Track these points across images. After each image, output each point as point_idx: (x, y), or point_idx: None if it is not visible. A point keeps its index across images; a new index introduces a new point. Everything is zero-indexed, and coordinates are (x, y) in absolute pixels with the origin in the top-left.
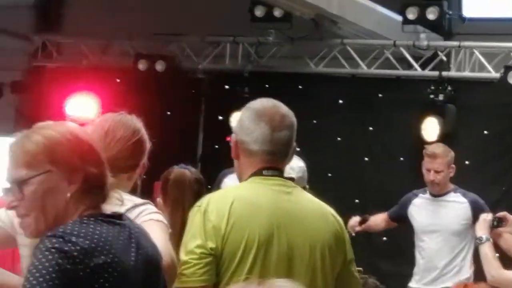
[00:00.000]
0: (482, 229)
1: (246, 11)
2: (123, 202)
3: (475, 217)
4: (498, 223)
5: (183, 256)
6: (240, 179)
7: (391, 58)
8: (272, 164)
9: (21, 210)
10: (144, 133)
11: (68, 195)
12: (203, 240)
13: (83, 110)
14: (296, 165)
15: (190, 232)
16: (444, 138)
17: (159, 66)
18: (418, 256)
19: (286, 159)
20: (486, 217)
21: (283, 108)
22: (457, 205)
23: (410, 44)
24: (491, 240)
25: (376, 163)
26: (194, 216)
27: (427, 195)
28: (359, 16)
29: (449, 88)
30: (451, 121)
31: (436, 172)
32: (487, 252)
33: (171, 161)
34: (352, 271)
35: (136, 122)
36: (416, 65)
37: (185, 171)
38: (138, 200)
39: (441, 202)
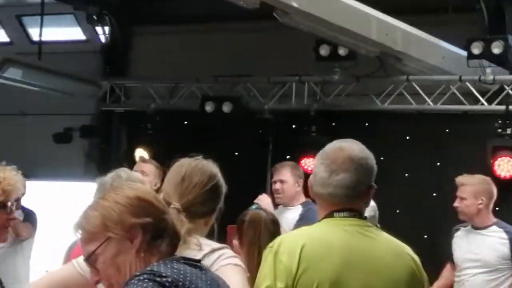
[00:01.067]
0: None
1: (311, 50)
2: (201, 247)
3: None
4: None
5: None
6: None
7: (457, 93)
8: (342, 206)
9: (104, 282)
10: (220, 178)
11: (134, 250)
12: (272, 281)
13: (152, 154)
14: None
15: (261, 273)
16: None
17: (226, 108)
18: None
19: (357, 200)
20: None
21: (352, 150)
22: (497, 240)
23: (476, 79)
24: None
25: (445, 198)
26: (266, 257)
27: (468, 227)
28: (424, 52)
29: None
30: None
31: (461, 199)
32: None
33: (240, 202)
34: None
35: (212, 167)
36: (482, 100)
37: (260, 212)
38: (216, 245)
39: (480, 235)
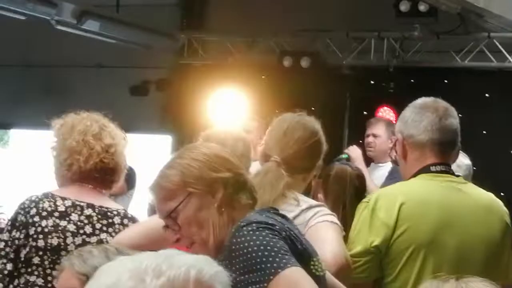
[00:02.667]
0: None
1: (391, 6)
2: (298, 202)
3: None
4: None
5: (347, 252)
6: (406, 178)
7: None
8: (439, 159)
9: (185, 240)
10: (321, 135)
11: (216, 205)
12: (367, 237)
13: (230, 108)
14: (462, 163)
15: (356, 227)
16: None
17: (304, 63)
18: None
19: (453, 151)
20: None
21: (444, 102)
22: None
23: None
24: None
25: None
26: (362, 212)
27: None
28: (506, 8)
29: None
30: None
31: None
32: None
33: None
34: None
35: (314, 124)
36: None
37: (346, 167)
38: (313, 202)
39: None
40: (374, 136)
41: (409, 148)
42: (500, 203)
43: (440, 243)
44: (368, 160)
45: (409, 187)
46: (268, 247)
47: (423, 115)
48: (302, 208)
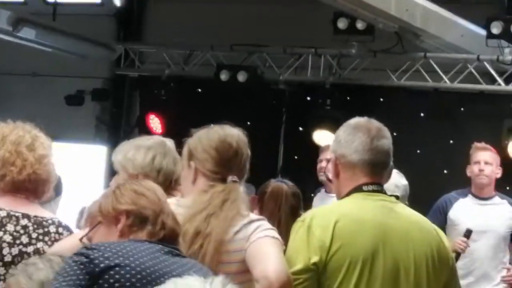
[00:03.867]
0: None
1: (329, 22)
2: (244, 217)
3: None
4: None
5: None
6: (339, 197)
7: (474, 72)
8: (371, 179)
9: None
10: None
11: (117, 234)
12: (305, 255)
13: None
14: (400, 183)
15: (293, 246)
16: None
17: (241, 77)
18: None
19: (385, 171)
20: None
21: (378, 122)
22: (505, 210)
23: (494, 59)
24: None
25: (457, 175)
26: (298, 230)
27: (470, 198)
28: (443, 29)
29: None
30: None
31: (486, 163)
32: None
33: (253, 172)
34: (456, 282)
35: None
36: (499, 80)
37: (282, 184)
38: (253, 216)
39: (487, 205)
40: (328, 161)
41: (341, 167)
42: (433, 225)
43: (375, 260)
44: (317, 186)
45: (343, 206)
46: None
47: (355, 135)
48: (243, 223)
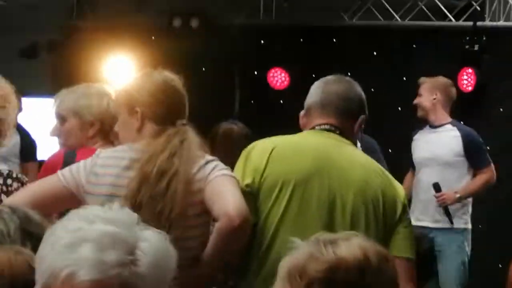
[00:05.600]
0: None
1: None
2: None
3: (466, 151)
4: None
5: None
6: None
7: (425, 9)
8: (324, 120)
9: None
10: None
11: None
12: (240, 178)
13: (120, 70)
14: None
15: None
16: (480, 88)
17: (194, 23)
18: (413, 192)
19: (343, 118)
20: None
21: (345, 78)
22: (452, 137)
23: None
24: None
25: (410, 112)
26: (239, 160)
27: (426, 128)
28: None
29: (484, 38)
30: (486, 71)
31: (419, 95)
32: None
33: (209, 118)
34: (406, 228)
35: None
36: (450, 16)
37: (233, 126)
38: (208, 156)
39: (434, 133)
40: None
41: (305, 117)
42: (382, 169)
43: (308, 186)
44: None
45: (288, 137)
46: None
47: (318, 86)
48: (201, 164)
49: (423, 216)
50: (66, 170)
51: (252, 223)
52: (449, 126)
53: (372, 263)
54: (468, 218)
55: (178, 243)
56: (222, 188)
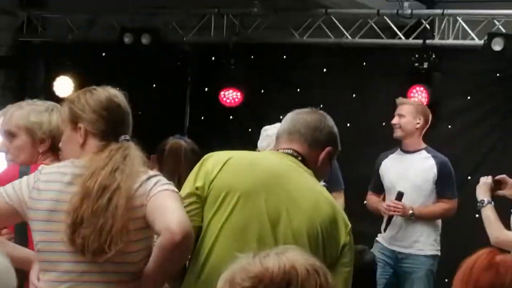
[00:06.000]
0: (483, 192)
1: None
2: (147, 172)
3: (438, 179)
4: (497, 185)
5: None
6: None
7: (375, 27)
8: (290, 146)
9: None
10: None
11: None
12: (192, 182)
13: (70, 86)
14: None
15: (186, 181)
16: (430, 105)
17: (145, 40)
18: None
19: (308, 143)
20: (486, 180)
21: (320, 111)
22: (426, 164)
23: (393, 13)
24: (492, 203)
25: (359, 129)
26: (196, 165)
27: (397, 152)
28: None
29: (433, 56)
30: (436, 88)
31: (400, 115)
32: (489, 214)
33: (160, 133)
34: (343, 275)
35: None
36: (400, 34)
37: (180, 141)
38: (151, 172)
39: (409, 158)
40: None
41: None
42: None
43: (255, 198)
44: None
45: (247, 152)
46: None
47: (289, 115)
48: (143, 179)
49: (395, 240)
50: (8, 186)
51: (197, 224)
52: (424, 153)
53: (300, 274)
54: (438, 245)
55: (119, 257)
56: (164, 203)
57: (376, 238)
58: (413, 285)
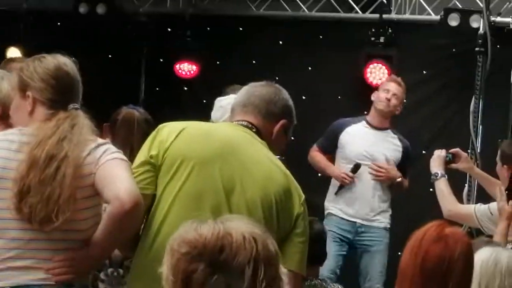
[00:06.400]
0: (436, 165)
1: None
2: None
3: (401, 162)
4: (451, 159)
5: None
6: None
7: (332, 1)
8: (244, 118)
9: None
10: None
11: None
12: (146, 151)
13: (24, 55)
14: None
15: (140, 150)
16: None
17: (100, 9)
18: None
19: (262, 115)
20: (440, 153)
21: (275, 85)
22: (393, 145)
23: None
24: (445, 176)
25: (315, 102)
26: (151, 135)
27: (363, 124)
28: None
29: (390, 30)
30: (393, 63)
31: (394, 95)
32: (443, 188)
33: (114, 104)
34: (298, 244)
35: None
36: (357, 8)
37: (133, 111)
38: (100, 140)
39: (379, 134)
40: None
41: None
42: (285, 171)
43: (209, 167)
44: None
45: (201, 122)
46: None
47: (244, 88)
48: (91, 147)
49: (355, 211)
50: None
51: (151, 193)
52: (390, 133)
53: (235, 241)
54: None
55: (67, 225)
56: (113, 172)
57: (330, 211)
58: (373, 259)
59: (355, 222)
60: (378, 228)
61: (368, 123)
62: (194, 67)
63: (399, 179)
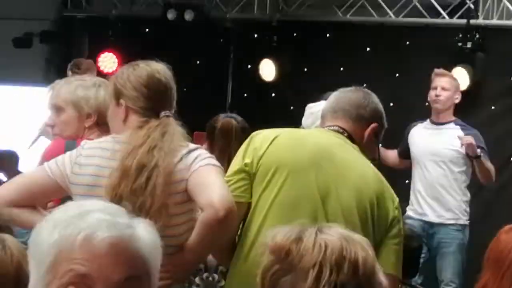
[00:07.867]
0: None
1: None
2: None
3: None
4: None
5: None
6: None
7: (419, 6)
8: (335, 123)
9: None
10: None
11: None
12: (240, 159)
13: (111, 61)
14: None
15: (234, 158)
16: (473, 85)
17: (188, 16)
18: (418, 186)
19: (352, 119)
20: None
21: (364, 89)
22: (452, 134)
23: None
24: None
25: (401, 108)
26: (244, 143)
27: (427, 123)
28: None
29: (477, 36)
30: (479, 69)
31: (443, 89)
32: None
33: (202, 110)
34: (394, 247)
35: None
36: (444, 13)
37: (231, 120)
38: (192, 145)
39: (438, 130)
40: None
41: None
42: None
43: (304, 174)
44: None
45: (293, 129)
46: None
47: (334, 94)
48: (183, 153)
49: (428, 211)
50: (52, 161)
51: (246, 201)
52: (452, 124)
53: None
54: (468, 215)
55: (161, 231)
56: (207, 179)
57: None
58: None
59: (427, 221)
60: (451, 224)
61: (431, 121)
62: (277, 71)
63: (478, 151)
